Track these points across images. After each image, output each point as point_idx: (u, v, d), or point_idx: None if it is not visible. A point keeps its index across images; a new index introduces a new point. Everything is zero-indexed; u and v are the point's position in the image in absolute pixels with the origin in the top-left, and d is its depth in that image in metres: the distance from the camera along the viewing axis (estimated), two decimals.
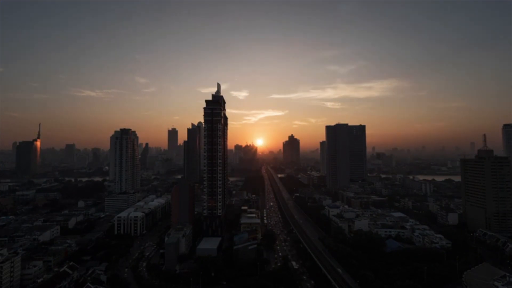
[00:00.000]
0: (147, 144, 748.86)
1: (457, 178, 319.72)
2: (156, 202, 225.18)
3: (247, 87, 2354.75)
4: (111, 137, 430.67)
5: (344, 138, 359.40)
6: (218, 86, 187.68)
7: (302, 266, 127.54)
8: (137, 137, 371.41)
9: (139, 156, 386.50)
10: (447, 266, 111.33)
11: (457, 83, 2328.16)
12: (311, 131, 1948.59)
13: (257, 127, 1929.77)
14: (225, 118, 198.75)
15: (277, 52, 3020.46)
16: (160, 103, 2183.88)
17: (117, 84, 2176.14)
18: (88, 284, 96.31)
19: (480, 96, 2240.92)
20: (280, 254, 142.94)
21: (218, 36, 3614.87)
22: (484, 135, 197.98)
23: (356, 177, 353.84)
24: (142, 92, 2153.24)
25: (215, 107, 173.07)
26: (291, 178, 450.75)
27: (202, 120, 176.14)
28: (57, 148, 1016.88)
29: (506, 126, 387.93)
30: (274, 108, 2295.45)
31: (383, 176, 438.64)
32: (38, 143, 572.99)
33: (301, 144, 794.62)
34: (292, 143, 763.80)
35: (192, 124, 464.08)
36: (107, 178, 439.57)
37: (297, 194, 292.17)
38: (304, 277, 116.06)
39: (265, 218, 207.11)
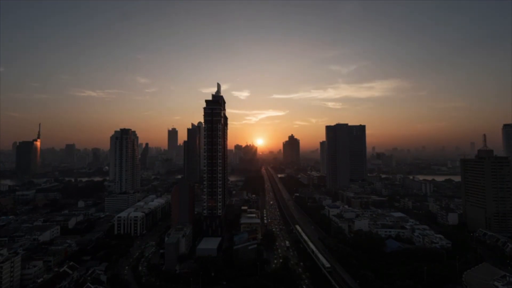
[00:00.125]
0: (147, 144, 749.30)
1: (457, 178, 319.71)
2: (156, 202, 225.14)
3: (249, 87, 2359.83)
4: (111, 137, 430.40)
5: (344, 138, 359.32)
6: (218, 86, 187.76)
7: (302, 266, 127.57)
8: (137, 137, 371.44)
9: (139, 156, 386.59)
10: (447, 266, 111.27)
11: (457, 83, 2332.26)
12: (311, 131, 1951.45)
13: (257, 127, 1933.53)
14: (225, 118, 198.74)
15: (279, 52, 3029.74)
16: (161, 103, 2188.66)
17: (119, 84, 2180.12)
18: (88, 284, 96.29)
19: (480, 96, 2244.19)
20: (280, 254, 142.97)
21: (220, 36, 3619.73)
22: (484, 135, 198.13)
23: (356, 177, 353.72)
24: (143, 92, 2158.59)
25: (215, 107, 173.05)
26: (291, 178, 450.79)
27: (203, 120, 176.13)
28: (57, 148, 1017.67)
29: (506, 126, 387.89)
30: (275, 108, 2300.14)
31: (383, 176, 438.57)
32: (38, 143, 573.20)
33: (301, 144, 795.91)
34: (292, 143, 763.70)
35: (192, 124, 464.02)
36: (107, 178, 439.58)
37: (297, 194, 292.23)
38: (304, 277, 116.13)
39: (265, 218, 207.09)
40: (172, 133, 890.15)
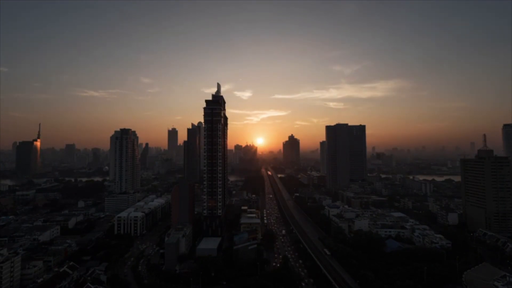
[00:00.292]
0: (147, 144, 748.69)
1: (457, 178, 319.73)
2: (156, 202, 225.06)
3: (251, 87, 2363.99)
4: (111, 137, 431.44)
5: (344, 138, 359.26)
6: (218, 86, 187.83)
7: (302, 266, 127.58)
8: (137, 137, 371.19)
9: (139, 156, 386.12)
10: (447, 266, 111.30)
11: (457, 83, 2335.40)
12: (311, 131, 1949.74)
13: (258, 127, 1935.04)
14: (225, 118, 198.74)
15: (282, 52, 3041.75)
16: (163, 103, 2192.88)
17: (121, 84, 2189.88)
18: (88, 284, 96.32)
19: (480, 96, 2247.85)
20: (280, 254, 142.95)
21: (223, 37, 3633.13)
22: (484, 135, 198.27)
23: (356, 177, 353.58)
24: (146, 92, 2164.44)
25: (215, 107, 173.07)
26: (291, 178, 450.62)
27: (203, 120, 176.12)
28: (57, 148, 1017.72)
29: (506, 126, 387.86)
30: (277, 108, 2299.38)
31: (383, 176, 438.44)
32: (38, 143, 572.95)
33: (301, 144, 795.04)
34: (292, 143, 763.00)
35: (192, 124, 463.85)
36: (107, 178, 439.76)
37: (297, 194, 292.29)
38: (304, 277, 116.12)
39: (265, 218, 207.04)
40: (172, 133, 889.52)
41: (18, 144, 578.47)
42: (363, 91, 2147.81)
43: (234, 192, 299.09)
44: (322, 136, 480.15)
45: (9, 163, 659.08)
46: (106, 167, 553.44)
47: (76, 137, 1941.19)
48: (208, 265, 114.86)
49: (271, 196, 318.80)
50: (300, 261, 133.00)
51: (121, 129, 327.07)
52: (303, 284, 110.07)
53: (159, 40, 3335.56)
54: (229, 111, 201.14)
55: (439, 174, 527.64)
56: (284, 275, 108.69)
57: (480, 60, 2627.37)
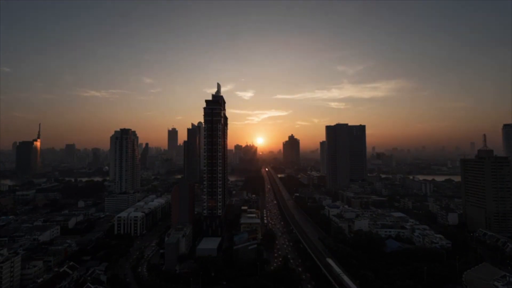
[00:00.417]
0: (147, 144, 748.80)
1: (457, 178, 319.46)
2: (156, 202, 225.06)
3: (253, 87, 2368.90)
4: (111, 137, 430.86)
5: (344, 138, 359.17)
6: (218, 86, 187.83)
7: (302, 266, 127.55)
8: (137, 137, 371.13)
9: (139, 156, 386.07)
10: (447, 266, 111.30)
11: (457, 83, 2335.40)
12: (311, 131, 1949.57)
13: (259, 127, 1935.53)
14: (225, 118, 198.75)
15: (284, 53, 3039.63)
16: (164, 103, 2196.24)
17: (124, 85, 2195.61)
18: (88, 284, 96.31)
19: (480, 96, 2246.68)
20: (280, 254, 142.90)
21: (226, 37, 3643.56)
22: (484, 135, 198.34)
23: (356, 177, 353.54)
24: (148, 92, 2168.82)
25: (215, 107, 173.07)
26: (291, 178, 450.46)
27: (203, 120, 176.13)
28: (57, 148, 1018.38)
29: (506, 126, 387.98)
30: (278, 108, 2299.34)
31: (383, 176, 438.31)
32: (38, 143, 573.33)
33: (302, 144, 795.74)
34: (292, 143, 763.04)
35: (192, 124, 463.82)
36: (107, 178, 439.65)
37: (297, 194, 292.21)
38: (304, 277, 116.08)
39: (265, 218, 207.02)
40: (172, 133, 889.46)
41: (18, 144, 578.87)
42: (365, 91, 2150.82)
43: (234, 192, 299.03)
44: (322, 136, 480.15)
45: (9, 163, 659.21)
46: (106, 167, 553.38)
47: (76, 137, 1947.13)
48: (208, 265, 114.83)
49: (271, 196, 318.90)
50: (300, 261, 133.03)
51: (121, 129, 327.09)
52: (303, 284, 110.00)
53: (162, 41, 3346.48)
54: (231, 111, 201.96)
55: (439, 174, 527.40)
56: (284, 275, 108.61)
57: (480, 60, 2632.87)
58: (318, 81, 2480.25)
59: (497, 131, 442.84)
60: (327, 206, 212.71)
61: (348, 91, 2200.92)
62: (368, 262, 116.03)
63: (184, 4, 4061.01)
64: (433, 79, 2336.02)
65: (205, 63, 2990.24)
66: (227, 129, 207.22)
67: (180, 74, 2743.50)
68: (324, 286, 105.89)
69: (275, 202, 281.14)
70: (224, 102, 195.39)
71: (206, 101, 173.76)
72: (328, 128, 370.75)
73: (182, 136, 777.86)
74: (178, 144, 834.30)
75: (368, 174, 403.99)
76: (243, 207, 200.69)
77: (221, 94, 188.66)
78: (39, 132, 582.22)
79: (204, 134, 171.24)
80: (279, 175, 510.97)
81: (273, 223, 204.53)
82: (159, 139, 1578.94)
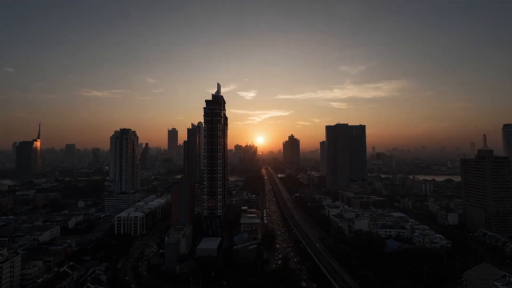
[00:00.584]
0: (147, 144, 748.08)
1: (457, 178, 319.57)
2: (156, 202, 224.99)
3: (255, 87, 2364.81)
4: (111, 137, 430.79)
5: (344, 138, 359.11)
6: (218, 86, 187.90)
7: (302, 266, 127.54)
8: (137, 137, 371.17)
9: (139, 156, 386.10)
10: (447, 266, 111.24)
11: (458, 84, 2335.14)
12: (312, 131, 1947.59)
13: (260, 127, 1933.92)
14: (225, 118, 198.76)
15: (288, 53, 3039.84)
16: (165, 103, 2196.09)
17: (127, 85, 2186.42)
18: (88, 284, 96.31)
19: (480, 96, 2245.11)
20: (280, 254, 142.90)
21: (228, 37, 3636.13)
22: (484, 135, 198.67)
23: (356, 177, 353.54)
24: (150, 92, 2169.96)
25: (215, 107, 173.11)
26: (291, 178, 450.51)
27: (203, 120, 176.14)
28: (57, 148, 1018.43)
29: (506, 126, 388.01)
30: (279, 108, 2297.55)
31: (383, 176, 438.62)
32: (38, 143, 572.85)
33: (302, 144, 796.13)
34: (292, 143, 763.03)
35: (192, 124, 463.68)
36: (107, 178, 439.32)
37: (297, 194, 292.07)
38: (304, 277, 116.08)
39: (265, 218, 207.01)
40: (172, 133, 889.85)
41: (18, 144, 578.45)
42: (368, 91, 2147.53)
43: (234, 192, 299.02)
44: (322, 136, 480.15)
45: (9, 163, 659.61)
46: (106, 167, 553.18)
47: (76, 137, 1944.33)
48: (208, 265, 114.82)
49: (271, 196, 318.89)
50: (298, 259, 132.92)
51: (121, 129, 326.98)
52: (303, 284, 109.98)
53: (166, 41, 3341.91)
54: (232, 111, 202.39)
55: (439, 174, 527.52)
56: (284, 275, 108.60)
57: (480, 60, 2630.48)
58: (320, 81, 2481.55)
59: (497, 131, 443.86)
60: (327, 206, 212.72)
61: (350, 91, 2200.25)
62: (368, 262, 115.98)
63: (188, 4, 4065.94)
64: (433, 79, 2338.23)
65: (208, 63, 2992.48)
66: (227, 129, 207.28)
67: (183, 74, 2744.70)
68: (324, 286, 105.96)
69: (275, 202, 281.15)
70: (224, 102, 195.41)
71: (206, 101, 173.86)
72: (328, 128, 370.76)
73: (182, 136, 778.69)
74: (178, 144, 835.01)
75: (368, 174, 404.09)
76: (243, 207, 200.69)
77: (223, 94, 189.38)
78: (39, 132, 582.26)
79: (204, 134, 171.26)
80: (279, 175, 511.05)
81: (273, 223, 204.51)
82: (159, 139, 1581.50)
